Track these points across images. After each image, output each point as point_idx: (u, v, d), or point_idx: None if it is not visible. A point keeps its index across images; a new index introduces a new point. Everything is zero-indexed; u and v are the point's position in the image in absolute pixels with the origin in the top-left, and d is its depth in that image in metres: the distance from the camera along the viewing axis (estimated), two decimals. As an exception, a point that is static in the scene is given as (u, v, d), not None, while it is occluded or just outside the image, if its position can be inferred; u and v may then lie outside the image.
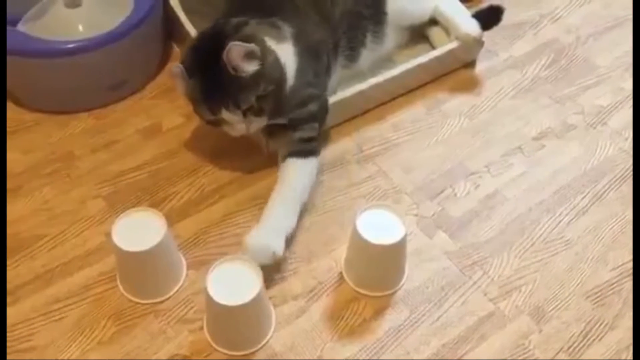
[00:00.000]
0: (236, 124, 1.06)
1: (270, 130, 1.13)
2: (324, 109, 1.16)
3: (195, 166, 1.19)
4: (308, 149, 1.11)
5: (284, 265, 1.06)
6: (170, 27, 1.36)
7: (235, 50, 1.00)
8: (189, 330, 0.99)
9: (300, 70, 1.11)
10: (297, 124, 1.11)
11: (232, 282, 0.92)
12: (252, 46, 1.01)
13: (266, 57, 1.04)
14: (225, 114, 1.05)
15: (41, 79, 1.23)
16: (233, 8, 1.15)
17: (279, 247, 1.01)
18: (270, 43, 1.07)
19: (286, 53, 1.09)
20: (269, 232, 1.02)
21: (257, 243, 1.00)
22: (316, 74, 1.15)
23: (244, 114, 1.05)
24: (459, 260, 1.08)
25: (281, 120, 1.10)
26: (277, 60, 1.07)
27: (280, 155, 1.13)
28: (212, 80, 1.03)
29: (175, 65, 1.06)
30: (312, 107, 1.13)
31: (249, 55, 1.02)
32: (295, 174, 1.08)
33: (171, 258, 1.03)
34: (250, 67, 1.03)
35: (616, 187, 1.18)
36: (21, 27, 1.25)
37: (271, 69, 1.05)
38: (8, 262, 1.06)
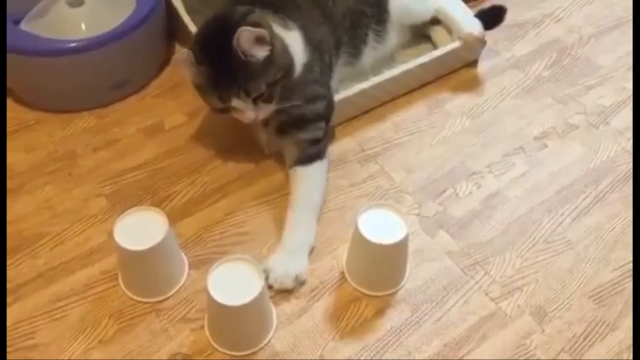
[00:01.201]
0: (246, 111, 1.06)
1: (278, 128, 1.13)
2: (330, 107, 1.16)
3: (197, 165, 1.19)
4: (314, 152, 1.11)
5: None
6: (172, 27, 1.36)
7: (245, 35, 1.00)
8: (191, 330, 0.99)
9: (307, 63, 1.12)
10: (305, 123, 1.12)
11: (234, 282, 0.92)
12: (262, 31, 1.01)
13: (275, 43, 1.05)
14: (236, 102, 1.05)
15: (43, 78, 1.23)
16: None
17: (301, 269, 1.03)
18: (278, 30, 1.08)
19: (293, 40, 1.10)
20: (290, 255, 1.04)
21: (279, 269, 1.02)
22: (321, 72, 1.16)
23: (254, 102, 1.05)
24: (461, 260, 1.08)
25: (289, 104, 1.09)
26: (285, 47, 1.08)
27: (287, 160, 1.13)
28: (221, 68, 1.03)
29: (183, 51, 1.04)
30: (320, 105, 1.13)
31: (259, 40, 1.02)
32: (305, 185, 1.09)
33: (172, 257, 1.03)
34: (261, 53, 1.02)
35: (618, 188, 1.18)
36: (24, 25, 1.25)
37: (280, 55, 1.06)
38: (10, 261, 1.06)
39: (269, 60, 1.03)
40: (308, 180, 1.09)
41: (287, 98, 1.08)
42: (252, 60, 1.02)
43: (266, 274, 1.01)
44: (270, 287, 1.01)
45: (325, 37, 1.19)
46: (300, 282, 1.03)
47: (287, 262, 1.03)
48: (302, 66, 1.10)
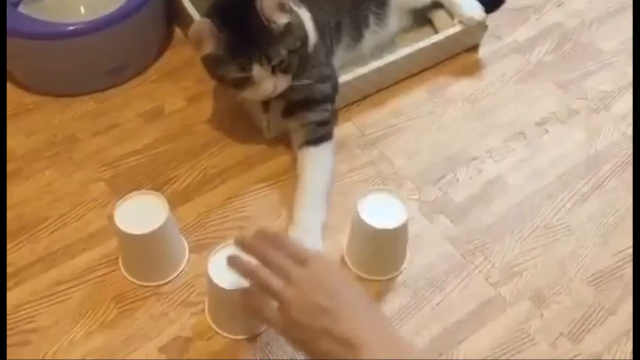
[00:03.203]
0: (263, 81, 1.05)
1: (286, 110, 1.13)
2: (336, 89, 1.17)
3: (198, 150, 1.19)
4: (322, 133, 1.12)
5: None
6: (172, 10, 1.35)
7: (269, 0, 1.01)
8: (191, 313, 0.99)
9: (315, 44, 1.12)
10: (313, 104, 1.12)
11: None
12: None
13: (292, 13, 1.06)
14: (257, 70, 1.04)
15: (42, 62, 1.23)
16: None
17: (318, 246, 1.03)
18: (292, 5, 1.08)
19: (305, 17, 1.11)
20: (305, 235, 1.04)
21: None
22: (326, 54, 1.16)
23: (273, 70, 1.05)
24: (460, 245, 1.08)
25: (301, 82, 1.09)
26: (300, 20, 1.09)
27: (295, 142, 1.13)
28: (243, 35, 1.03)
29: (201, 20, 1.04)
30: (327, 86, 1.14)
31: (281, 7, 1.03)
32: (315, 166, 1.10)
33: (173, 241, 1.03)
34: (282, 20, 1.03)
35: (619, 173, 1.18)
36: (22, 8, 1.25)
37: (296, 26, 1.07)
38: (11, 244, 1.06)
39: (288, 28, 1.04)
40: (318, 161, 1.10)
41: (299, 75, 1.08)
42: (274, 27, 1.03)
43: None
44: None
45: (327, 20, 1.19)
46: None
47: (303, 240, 1.03)
48: (312, 46, 1.11)
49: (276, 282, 0.80)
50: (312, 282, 0.76)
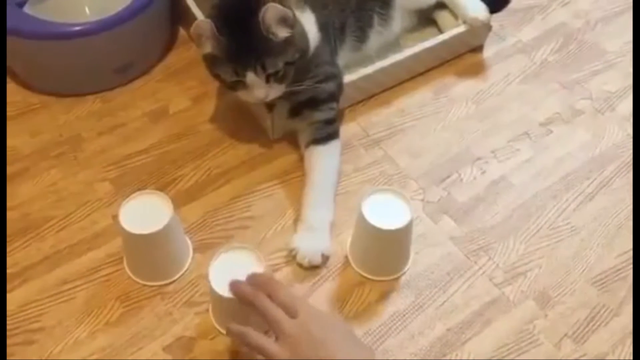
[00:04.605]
0: (256, 89, 1.06)
1: (292, 110, 1.13)
2: (341, 87, 1.17)
3: (202, 149, 1.19)
4: (329, 132, 1.12)
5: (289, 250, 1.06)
6: (176, 11, 1.35)
7: (272, 11, 1.00)
8: (195, 313, 1.00)
9: (319, 45, 1.12)
10: (319, 103, 1.12)
11: (235, 270, 0.91)
12: (288, 11, 1.02)
13: (295, 25, 1.05)
14: (250, 77, 1.04)
15: (48, 62, 1.23)
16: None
17: (326, 246, 1.04)
18: (296, 12, 1.08)
19: (307, 22, 1.11)
20: (313, 233, 1.05)
21: (306, 247, 1.03)
22: (330, 53, 1.17)
23: (267, 79, 1.05)
24: (465, 245, 1.08)
25: (300, 87, 1.10)
26: (303, 30, 1.08)
27: (302, 142, 1.14)
28: (242, 40, 1.03)
29: (203, 20, 1.04)
30: (332, 85, 1.14)
31: (283, 20, 1.03)
32: (323, 164, 1.10)
33: (177, 241, 1.03)
34: (282, 33, 1.03)
35: (623, 174, 1.17)
36: (28, 9, 1.25)
37: (299, 38, 1.06)
38: (17, 244, 1.06)
39: (288, 41, 1.04)
40: (325, 159, 1.11)
41: (298, 80, 1.09)
42: (273, 38, 1.03)
43: (294, 253, 1.03)
44: (300, 265, 1.03)
45: (331, 20, 1.19)
46: (326, 258, 1.04)
47: (312, 239, 1.04)
48: (314, 48, 1.11)
49: (268, 343, 0.84)
50: (302, 334, 0.83)
